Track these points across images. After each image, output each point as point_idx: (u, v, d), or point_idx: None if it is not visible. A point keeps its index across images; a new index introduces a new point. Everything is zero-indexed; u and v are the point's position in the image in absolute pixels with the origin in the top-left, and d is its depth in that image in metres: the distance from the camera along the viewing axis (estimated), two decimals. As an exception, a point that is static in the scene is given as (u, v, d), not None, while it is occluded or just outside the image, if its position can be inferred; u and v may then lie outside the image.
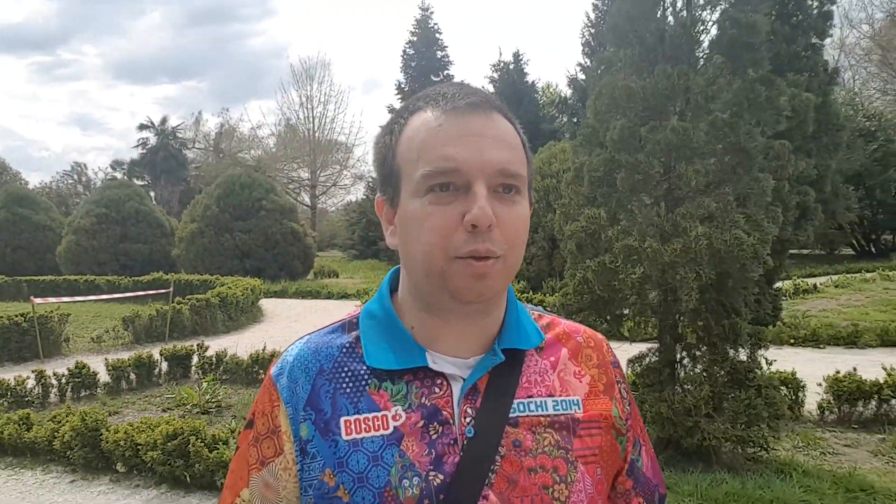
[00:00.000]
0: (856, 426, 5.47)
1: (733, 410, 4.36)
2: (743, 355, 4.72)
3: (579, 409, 0.84)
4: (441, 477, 0.76)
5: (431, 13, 32.20)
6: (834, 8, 11.58)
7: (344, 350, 0.84)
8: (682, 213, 4.40)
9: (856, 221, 26.76)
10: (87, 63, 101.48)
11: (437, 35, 32.17)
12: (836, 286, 16.38)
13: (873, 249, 28.06)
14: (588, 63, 27.41)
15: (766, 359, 5.23)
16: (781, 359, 7.89)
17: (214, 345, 8.80)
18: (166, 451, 4.45)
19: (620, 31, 4.86)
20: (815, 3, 11.33)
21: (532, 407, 0.82)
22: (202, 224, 20.91)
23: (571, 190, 5.10)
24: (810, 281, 16.83)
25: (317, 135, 46.40)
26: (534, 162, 0.89)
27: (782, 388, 5.67)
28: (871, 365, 6.61)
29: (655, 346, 5.01)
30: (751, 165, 4.71)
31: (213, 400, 6.59)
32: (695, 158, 4.50)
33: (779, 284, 14.48)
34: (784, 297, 14.03)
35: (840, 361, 7.19)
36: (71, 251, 21.39)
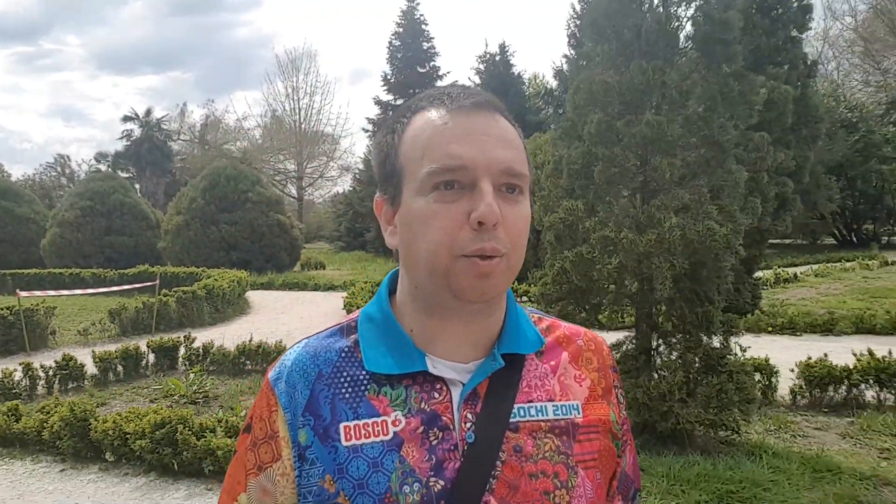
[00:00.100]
0: (826, 410, 5.65)
1: (706, 395, 4.51)
2: (716, 342, 4.87)
3: (579, 413, 0.85)
4: (442, 483, 0.76)
5: (417, 4, 32.11)
6: (814, 1, 11.74)
7: (343, 354, 0.84)
8: (657, 204, 4.53)
9: (837, 211, 27.15)
10: (69, 53, 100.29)
11: (423, 26, 32.11)
12: (817, 275, 16.66)
13: (854, 239, 28.51)
14: (573, 55, 27.53)
15: (741, 345, 5.39)
16: (759, 346, 8.10)
17: (201, 336, 8.88)
18: (154, 439, 4.54)
19: (598, 27, 4.97)
20: (795, -4, 11.49)
21: (532, 412, 0.82)
22: (188, 216, 20.86)
23: (551, 182, 5.22)
24: (791, 270, 17.11)
25: (303, 126, 46.28)
26: None
27: (756, 374, 5.84)
28: (845, 352, 6.79)
29: (632, 334, 5.15)
30: (724, 158, 4.84)
31: (201, 390, 6.68)
32: (669, 151, 4.62)
33: (759, 274, 14.79)
34: (765, 287, 14.32)
35: (815, 348, 7.36)
36: (55, 244, 21.27)
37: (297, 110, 46.47)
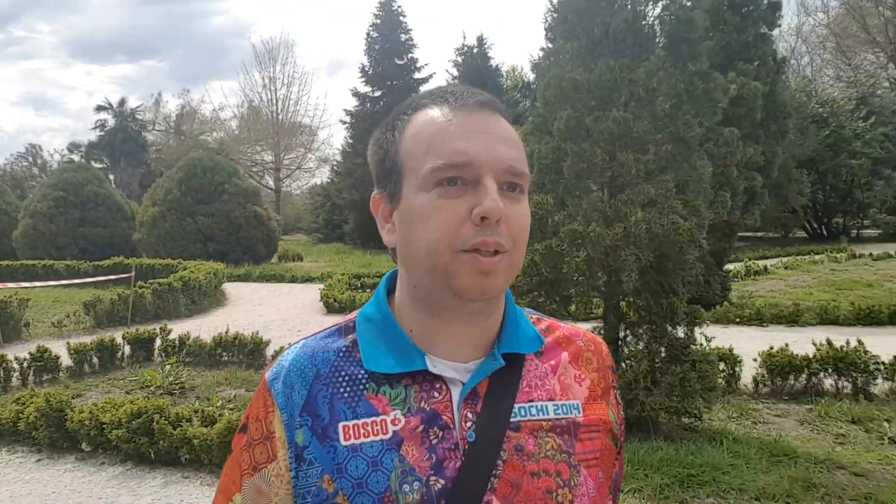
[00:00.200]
0: (787, 398, 5.86)
1: (669, 384, 4.68)
2: (681, 332, 5.04)
3: (580, 412, 0.85)
4: (442, 482, 0.76)
5: (395, -5, 32.02)
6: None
7: (341, 354, 0.84)
8: (624, 199, 4.67)
9: (808, 205, 27.69)
10: (40, 41, 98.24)
11: (401, 18, 32.01)
12: (786, 268, 16.99)
13: (825, 232, 29.05)
14: (550, 48, 27.67)
15: (706, 336, 5.58)
16: (727, 337, 8.34)
17: (178, 328, 8.89)
18: (131, 429, 4.60)
19: (569, 25, 5.09)
20: (765, -6, 11.72)
21: (533, 411, 0.82)
22: (164, 208, 20.70)
23: (522, 176, 5.33)
24: (761, 263, 17.45)
25: (280, 117, 45.97)
26: None
27: (721, 363, 6.04)
28: (808, 342, 7.01)
29: (600, 324, 5.30)
30: (689, 154, 5.00)
31: (177, 382, 6.72)
32: (636, 147, 4.76)
33: (731, 266, 15.09)
34: (736, 279, 14.63)
35: (780, 339, 7.59)
36: (28, 235, 20.99)
37: (274, 101, 46.15)
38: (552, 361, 0.87)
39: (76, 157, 45.86)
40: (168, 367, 7.04)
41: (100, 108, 46.45)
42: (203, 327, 9.55)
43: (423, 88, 27.17)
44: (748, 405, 5.67)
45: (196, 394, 6.51)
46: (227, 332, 8.01)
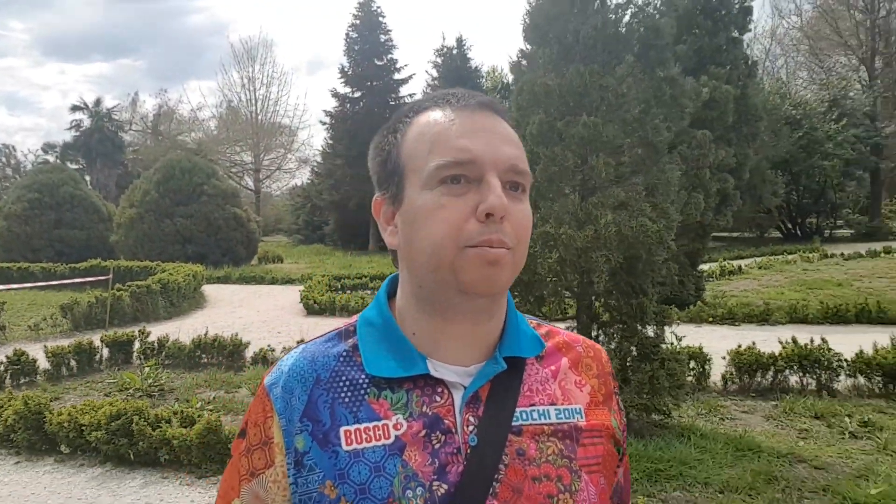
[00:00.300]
0: (754, 394, 6.04)
1: (639, 382, 4.81)
2: (650, 332, 5.19)
3: (582, 417, 0.85)
4: (445, 487, 0.76)
5: (375, -4, 32.07)
6: (753, 4, 12.23)
7: (341, 359, 0.83)
8: (594, 202, 4.80)
9: (782, 206, 28.20)
10: (13, 39, 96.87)
11: (381, 19, 32.07)
12: (760, 267, 17.31)
13: (799, 232, 29.60)
14: (528, 49, 27.88)
15: (676, 335, 5.74)
16: (699, 335, 8.53)
17: (156, 331, 8.89)
18: (110, 430, 4.64)
19: (541, 31, 5.21)
20: (737, -1, 11.98)
21: (535, 415, 0.82)
22: (141, 209, 20.56)
23: (497, 180, 5.45)
24: (736, 263, 17.77)
25: (260, 117, 45.80)
26: None
27: (691, 361, 6.21)
28: (778, 340, 7.22)
29: (573, 324, 5.43)
30: (658, 158, 5.14)
31: (156, 384, 6.74)
32: (607, 151, 4.89)
33: (705, 266, 15.35)
34: (710, 279, 14.89)
35: (751, 337, 7.78)
36: (2, 237, 20.73)
37: (253, 101, 45.98)
38: (553, 367, 0.87)
39: (51, 158, 45.29)
40: (147, 369, 7.05)
41: (75, 108, 45.95)
42: (182, 330, 9.55)
43: (403, 89, 26.88)
44: (717, 402, 5.83)
45: (175, 396, 6.54)
46: (206, 335, 8.03)
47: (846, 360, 5.95)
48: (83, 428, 4.76)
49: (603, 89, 5.03)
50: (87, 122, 45.60)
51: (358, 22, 31.92)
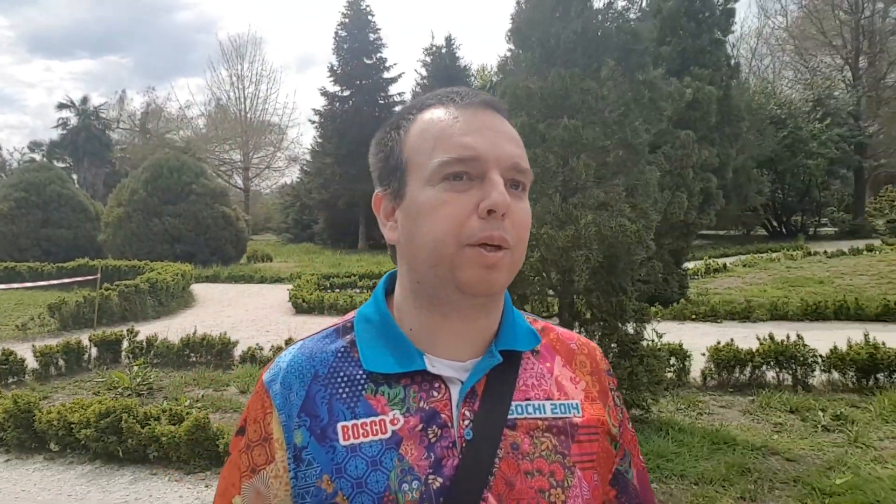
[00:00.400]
0: (732, 390, 6.19)
1: (619, 378, 4.92)
2: (630, 329, 5.31)
3: (578, 412, 0.85)
4: (440, 480, 0.76)
5: (364, -5, 32.09)
6: (739, 4, 12.41)
7: (339, 355, 0.84)
8: (575, 202, 4.91)
9: (768, 204, 28.50)
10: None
11: (370, 17, 32.12)
12: (745, 265, 17.52)
13: (784, 230, 29.93)
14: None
15: (657, 332, 5.87)
16: (682, 332, 8.67)
17: (145, 330, 8.93)
18: (99, 428, 4.71)
19: (523, 35, 5.32)
20: (720, 1, 12.13)
21: (530, 409, 0.82)
22: (129, 208, 20.53)
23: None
24: (721, 261, 17.97)
25: (249, 115, 45.71)
26: None
27: (671, 358, 6.35)
28: (762, 337, 7.36)
29: (556, 322, 5.55)
30: (637, 160, 5.26)
31: (145, 383, 6.80)
32: (588, 153, 5.01)
33: (690, 264, 15.53)
34: (695, 276, 15.09)
35: (732, 334, 7.93)
36: (-11, 237, 20.66)
37: (242, 99, 45.88)
38: (548, 363, 0.88)
39: (37, 157, 45.03)
40: (136, 368, 7.10)
41: (62, 106, 45.72)
42: (171, 329, 9.60)
43: (392, 88, 26.83)
44: (696, 397, 5.97)
45: (164, 394, 6.61)
46: (195, 333, 8.09)
47: (821, 356, 6.11)
48: (72, 426, 4.83)
49: (584, 92, 5.14)
50: (73, 121, 45.40)
51: (347, 20, 31.95)
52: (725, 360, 6.21)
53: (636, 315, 5.22)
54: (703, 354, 6.43)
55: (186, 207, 20.88)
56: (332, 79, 32.01)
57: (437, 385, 0.81)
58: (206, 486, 4.36)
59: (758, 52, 39.16)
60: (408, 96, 32.94)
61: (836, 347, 6.15)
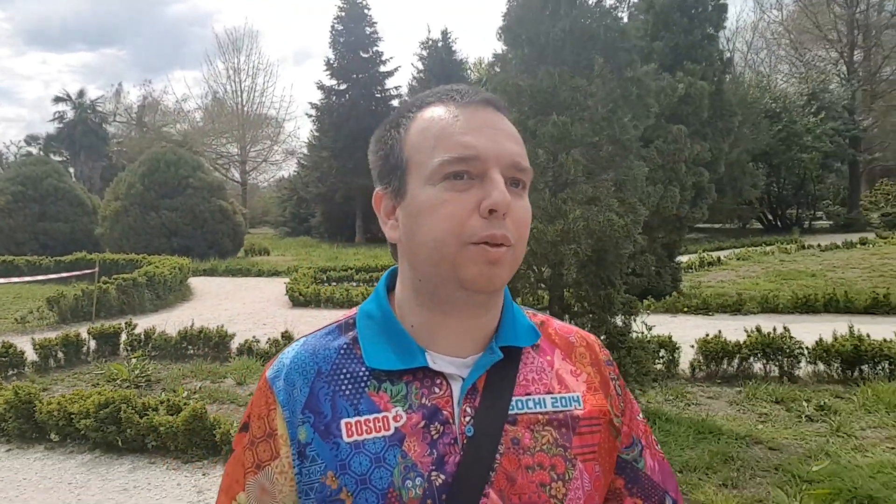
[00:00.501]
0: (720, 381, 6.31)
1: (607, 368, 5.05)
2: (619, 321, 5.43)
3: (579, 405, 0.86)
4: (443, 477, 0.77)
5: (360, -12, 32.06)
6: (731, 0, 12.48)
7: (342, 351, 0.85)
8: (564, 197, 5.01)
9: (763, 198, 28.63)
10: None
11: (366, 11, 32.10)
12: (739, 259, 17.65)
13: (779, 224, 30.07)
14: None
15: (646, 324, 5.98)
16: (674, 325, 8.81)
17: (143, 323, 9.03)
18: (99, 418, 4.81)
19: (513, 33, 5.41)
20: (713, -4, 12.20)
21: (530, 404, 0.83)
22: (126, 202, 20.59)
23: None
24: (715, 254, 18.10)
25: (246, 108, 45.75)
26: None
27: (661, 350, 6.47)
28: (750, 329, 7.47)
29: (546, 315, 5.66)
30: (626, 155, 5.36)
31: (143, 375, 6.90)
32: (580, 149, 5.11)
33: (685, 258, 15.64)
34: (690, 270, 15.21)
35: (723, 327, 8.06)
36: (-14, 231, 20.71)
37: (238, 92, 45.96)
38: (548, 357, 0.89)
39: (34, 150, 44.98)
40: (134, 360, 7.20)
41: (58, 100, 45.61)
42: (169, 322, 9.70)
43: (389, 82, 26.85)
44: (684, 389, 6.09)
45: (162, 386, 6.71)
46: (192, 326, 8.19)
47: (807, 348, 6.23)
48: (72, 416, 4.93)
49: (573, 90, 5.23)
50: (70, 114, 45.30)
51: (343, 14, 31.93)
52: (713, 351, 6.33)
53: (624, 308, 5.33)
54: (692, 346, 6.55)
55: (183, 201, 20.95)
56: (328, 72, 32.02)
57: (438, 381, 0.82)
58: (204, 475, 4.47)
59: (753, 46, 39.29)
60: (404, 90, 32.99)
61: (821, 339, 6.27)
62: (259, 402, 0.85)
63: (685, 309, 10.17)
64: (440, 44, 31.74)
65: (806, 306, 9.75)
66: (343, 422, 0.80)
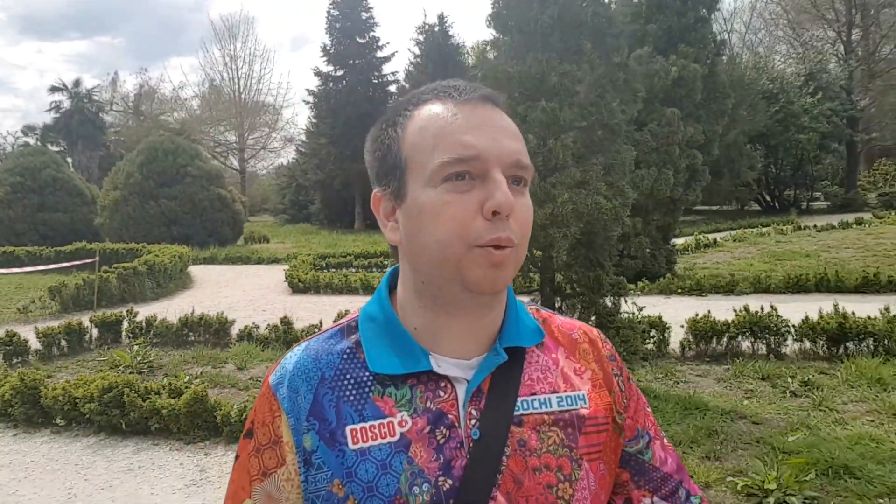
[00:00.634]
0: (708, 359, 6.45)
1: (596, 348, 5.19)
2: (609, 302, 5.56)
3: (585, 404, 0.85)
4: (450, 482, 0.77)
5: (355, -27, 31.92)
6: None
7: (345, 356, 0.84)
8: (553, 181, 5.12)
9: (761, 179, 28.71)
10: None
11: (362, -4, 32.00)
12: (735, 240, 17.70)
13: (777, 205, 30.14)
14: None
15: (636, 305, 6.13)
16: (667, 306, 8.95)
17: (144, 311, 9.16)
18: (103, 402, 4.96)
19: (502, 20, 5.49)
20: (706, -22, 12.22)
21: (536, 404, 0.82)
22: (125, 192, 20.68)
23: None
24: (711, 236, 18.17)
25: (243, 96, 45.67)
26: None
27: (652, 330, 6.61)
28: (740, 309, 7.60)
29: (538, 296, 5.79)
30: (614, 139, 5.46)
31: (145, 361, 7.04)
32: (563, 134, 5.21)
33: (681, 240, 15.73)
34: (686, 252, 15.33)
35: (715, 307, 8.18)
36: (-15, 222, 20.83)
37: (235, 79, 45.88)
38: (553, 354, 0.88)
39: (31, 141, 44.92)
40: (136, 347, 7.35)
41: (54, 89, 45.48)
42: (170, 309, 9.84)
43: (386, 67, 26.79)
44: (674, 367, 6.23)
45: (164, 372, 6.86)
46: (193, 313, 8.33)
47: (793, 326, 6.37)
48: (77, 401, 5.08)
49: (561, 76, 5.32)
50: (66, 104, 45.20)
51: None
52: (703, 331, 6.47)
53: (613, 289, 5.47)
54: (682, 326, 6.68)
55: (182, 190, 21.03)
56: (325, 59, 31.97)
57: (443, 385, 0.81)
58: (205, 454, 4.62)
59: (752, 27, 39.13)
60: (401, 76, 32.94)
61: (807, 317, 6.41)
62: (263, 409, 0.84)
63: (679, 290, 10.31)
64: (437, 28, 31.66)
65: (797, 286, 9.89)
66: (348, 428, 0.79)
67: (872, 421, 4.72)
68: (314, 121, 33.05)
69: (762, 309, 6.59)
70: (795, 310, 7.26)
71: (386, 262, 15.95)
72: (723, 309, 7.81)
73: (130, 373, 6.74)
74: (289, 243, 24.17)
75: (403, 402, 0.80)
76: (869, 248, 14.32)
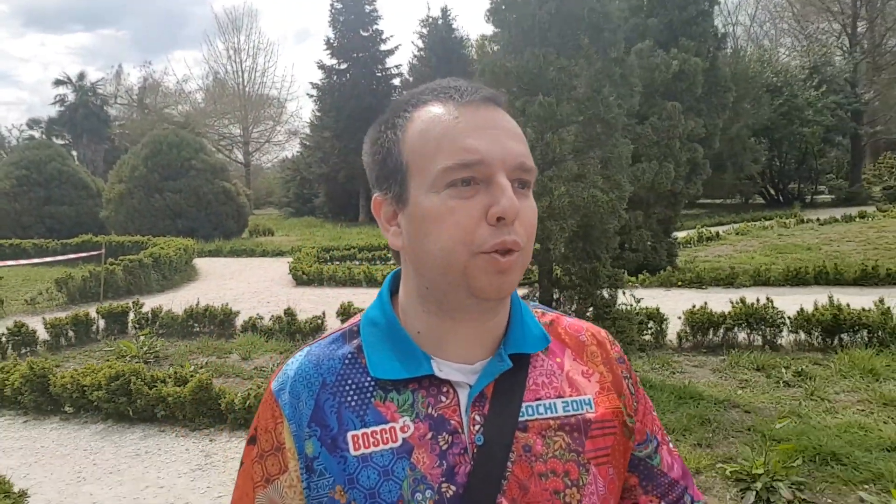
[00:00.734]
0: (705, 350, 6.54)
1: (592, 338, 5.29)
2: (606, 294, 5.65)
3: (591, 408, 0.84)
4: (454, 488, 0.76)
5: (359, -34, 31.92)
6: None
7: (346, 361, 0.83)
8: (550, 175, 5.21)
9: (765, 172, 28.69)
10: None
11: (366, -12, 32.00)
12: (738, 233, 17.75)
13: (780, 198, 30.12)
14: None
15: (634, 296, 6.22)
16: (667, 298, 9.03)
17: (150, 303, 9.30)
18: (110, 390, 5.09)
19: (500, 15, 5.57)
20: (708, -28, 12.23)
21: (541, 409, 0.81)
22: (130, 185, 20.83)
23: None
24: (714, 229, 18.22)
25: (247, 89, 45.74)
26: None
27: (650, 321, 6.70)
28: (729, 301, 7.69)
29: (536, 289, 5.89)
30: (611, 133, 5.54)
31: (151, 351, 7.17)
32: (561, 128, 5.29)
33: (683, 234, 15.78)
34: (689, 245, 15.40)
35: (714, 299, 8.27)
36: (-8, 214, 21.02)
37: (239, 72, 45.94)
38: (558, 358, 0.86)
39: (36, 134, 45.11)
40: (142, 338, 7.48)
41: (58, 83, 45.56)
42: (175, 301, 9.98)
43: (389, 61, 26.78)
44: (671, 358, 6.32)
45: (170, 361, 6.99)
46: (198, 305, 8.46)
47: (789, 317, 6.45)
48: (85, 389, 5.21)
49: (558, 71, 5.40)
50: (71, 97, 45.30)
51: (342, -8, 31.83)
52: (699, 322, 6.56)
53: (610, 281, 5.56)
54: (679, 318, 6.78)
55: (187, 183, 21.17)
56: (328, 52, 32.03)
57: (445, 390, 0.80)
58: (210, 441, 4.75)
59: (757, 19, 39.01)
60: (405, 69, 32.97)
61: (802, 309, 6.49)
62: (265, 415, 0.83)
63: (679, 283, 10.39)
64: (440, 21, 31.65)
65: (797, 279, 9.95)
66: (350, 434, 0.78)
67: (863, 410, 4.81)
68: (318, 114, 33.12)
69: (758, 301, 6.68)
70: (793, 302, 7.34)
71: (389, 255, 16.05)
72: (721, 301, 7.88)
73: (137, 363, 6.87)
74: (293, 236, 24.31)
75: (406, 407, 0.79)
76: (870, 242, 14.35)
